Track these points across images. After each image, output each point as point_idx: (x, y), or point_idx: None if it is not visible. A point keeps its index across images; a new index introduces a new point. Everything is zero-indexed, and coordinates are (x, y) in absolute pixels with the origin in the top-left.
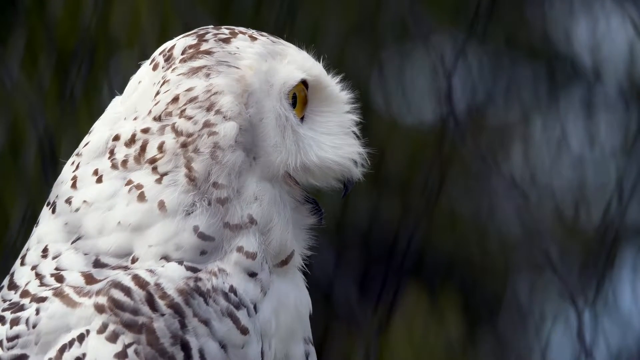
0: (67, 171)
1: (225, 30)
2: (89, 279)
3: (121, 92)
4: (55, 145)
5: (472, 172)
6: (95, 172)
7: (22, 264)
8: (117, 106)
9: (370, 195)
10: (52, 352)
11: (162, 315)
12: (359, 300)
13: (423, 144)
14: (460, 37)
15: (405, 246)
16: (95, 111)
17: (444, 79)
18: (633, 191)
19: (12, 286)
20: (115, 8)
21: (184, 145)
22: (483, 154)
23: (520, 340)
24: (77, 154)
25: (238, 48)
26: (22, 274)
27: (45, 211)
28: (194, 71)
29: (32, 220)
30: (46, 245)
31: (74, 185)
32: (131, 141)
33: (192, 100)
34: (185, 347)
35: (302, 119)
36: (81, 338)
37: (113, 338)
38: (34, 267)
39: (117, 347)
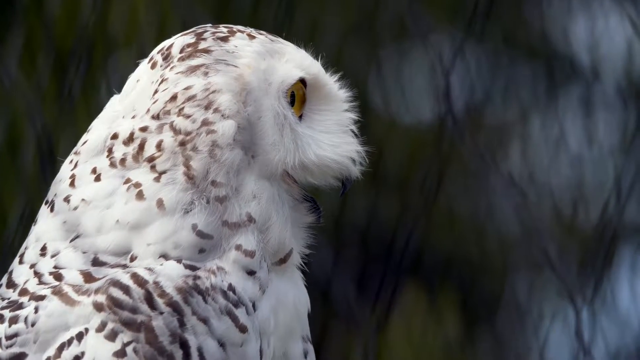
0: (65, 169)
1: (223, 29)
2: (88, 277)
3: (119, 90)
4: (53, 143)
5: (470, 170)
6: (94, 171)
7: (21, 262)
8: (115, 105)
9: (369, 193)
10: (51, 351)
11: (161, 313)
12: (357, 299)
13: (421, 143)
14: (459, 35)
15: (404, 245)
16: (94, 110)
17: (442, 77)
18: (631, 190)
19: (11, 284)
20: (113, 7)
21: (182, 144)
22: (481, 153)
23: (519, 339)
24: (75, 153)
25: (236, 46)
26: (20, 272)
27: (44, 209)
28: (192, 70)
29: (30, 218)
30: (45, 244)
31: (72, 184)
32: (129, 139)
33: (190, 98)
34: (184, 346)
35: (300, 117)
36: (80, 336)
37: (112, 336)
38: (32, 266)
39: (116, 345)
